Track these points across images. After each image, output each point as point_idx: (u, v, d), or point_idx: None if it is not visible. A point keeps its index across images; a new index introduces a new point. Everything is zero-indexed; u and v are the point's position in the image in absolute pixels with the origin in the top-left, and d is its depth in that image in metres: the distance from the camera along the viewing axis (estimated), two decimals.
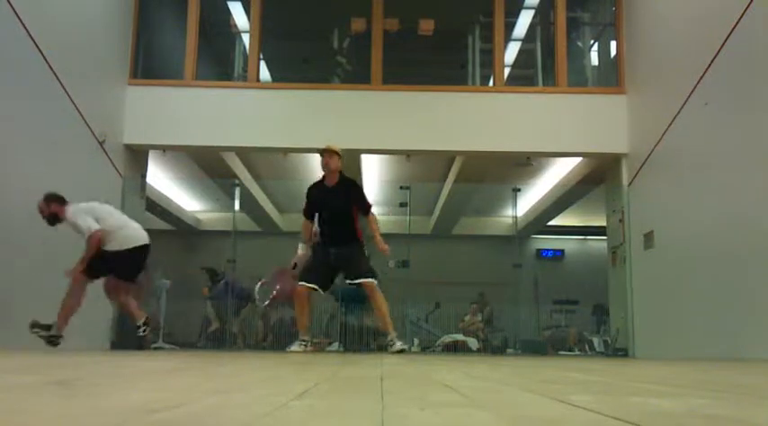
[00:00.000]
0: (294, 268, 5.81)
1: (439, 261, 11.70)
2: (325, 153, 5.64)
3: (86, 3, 7.26)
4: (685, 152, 6.57)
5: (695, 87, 6.24)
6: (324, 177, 5.73)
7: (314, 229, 5.85)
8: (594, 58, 9.57)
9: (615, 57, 8.56)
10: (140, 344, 6.09)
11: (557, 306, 10.80)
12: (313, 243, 5.82)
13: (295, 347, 5.63)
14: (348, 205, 5.71)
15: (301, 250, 5.78)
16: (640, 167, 7.58)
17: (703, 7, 6.37)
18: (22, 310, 5.69)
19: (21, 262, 5.74)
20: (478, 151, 8.44)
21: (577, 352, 9.86)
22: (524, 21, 9.31)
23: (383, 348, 5.97)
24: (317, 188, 5.79)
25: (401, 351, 5.53)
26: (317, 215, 5.79)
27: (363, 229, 5.90)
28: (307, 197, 5.80)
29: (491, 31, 8.66)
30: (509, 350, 9.65)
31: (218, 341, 9.39)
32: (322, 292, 5.79)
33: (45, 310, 6.07)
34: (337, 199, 5.70)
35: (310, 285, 5.59)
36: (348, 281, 5.75)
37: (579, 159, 9.31)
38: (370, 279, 5.59)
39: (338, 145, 8.54)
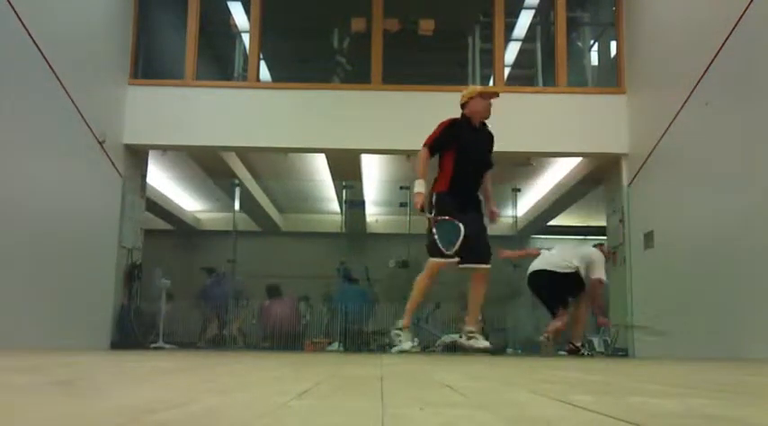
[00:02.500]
0: (432, 213, 4.76)
1: None
2: (491, 96, 4.99)
3: (86, 3, 7.26)
4: (686, 152, 6.57)
5: (695, 87, 6.24)
6: (469, 119, 4.96)
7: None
8: (594, 58, 9.57)
9: (615, 57, 8.56)
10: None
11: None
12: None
13: (409, 344, 4.96)
14: (490, 157, 4.95)
15: (420, 187, 4.75)
16: (640, 167, 7.58)
17: (703, 7, 6.37)
18: (22, 310, 5.69)
19: (22, 262, 5.73)
20: None
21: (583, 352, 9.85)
22: (524, 21, 9.30)
23: (460, 348, 5.26)
24: (460, 126, 4.92)
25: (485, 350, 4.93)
26: (452, 158, 4.83)
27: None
28: (449, 130, 4.88)
29: (491, 30, 8.65)
30: (509, 350, 9.65)
31: (218, 341, 9.39)
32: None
33: (45, 310, 6.08)
34: (484, 146, 4.97)
35: (464, 264, 4.71)
36: (466, 265, 4.76)
37: (579, 159, 9.31)
38: (488, 266, 4.81)
39: (338, 144, 8.55)
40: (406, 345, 4.97)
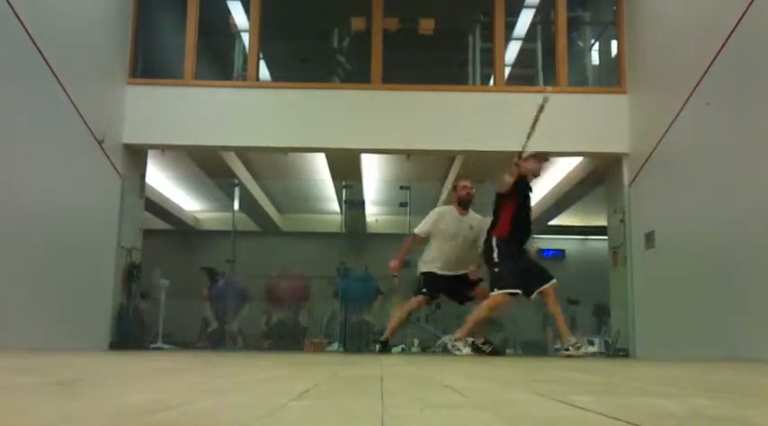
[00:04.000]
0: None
1: None
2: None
3: (85, 2, 7.25)
4: (687, 152, 6.57)
5: (696, 87, 6.23)
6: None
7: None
8: (595, 58, 9.56)
9: (616, 56, 8.54)
10: None
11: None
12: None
13: (465, 348, 5.51)
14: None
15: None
16: (641, 167, 7.57)
17: (704, 6, 6.36)
18: (21, 310, 5.69)
19: (20, 262, 5.73)
20: (479, 151, 8.42)
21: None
22: (525, 20, 9.29)
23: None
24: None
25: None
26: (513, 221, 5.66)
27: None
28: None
29: (491, 30, 8.64)
30: (509, 351, 9.65)
31: (218, 341, 9.39)
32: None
33: (44, 310, 6.08)
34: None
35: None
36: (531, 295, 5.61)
37: (580, 159, 9.31)
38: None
39: (338, 144, 8.56)
40: (465, 350, 5.55)
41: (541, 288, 5.46)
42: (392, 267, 6.24)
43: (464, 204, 6.31)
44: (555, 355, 9.24)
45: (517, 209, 5.56)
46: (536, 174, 5.74)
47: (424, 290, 6.19)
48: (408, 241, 6.49)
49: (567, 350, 5.48)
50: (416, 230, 6.32)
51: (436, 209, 6.60)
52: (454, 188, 6.52)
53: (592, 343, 5.45)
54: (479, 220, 6.25)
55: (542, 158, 5.76)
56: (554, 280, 5.44)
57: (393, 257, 6.48)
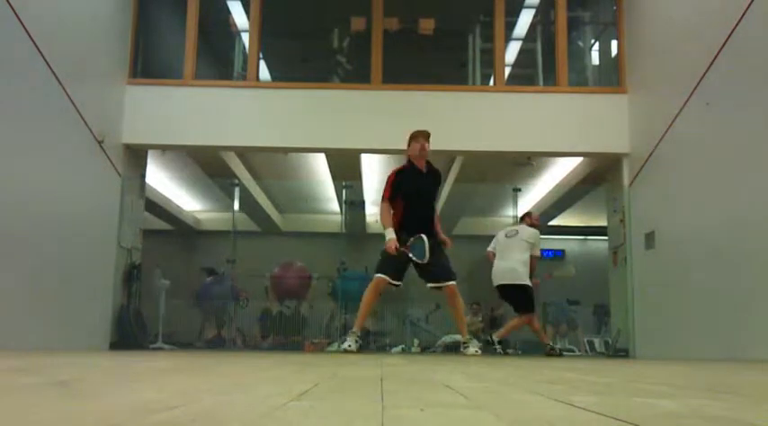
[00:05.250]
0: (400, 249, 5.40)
1: None
2: (424, 138, 5.68)
3: (86, 2, 7.25)
4: (686, 152, 6.57)
5: (696, 87, 6.23)
6: (413, 162, 5.70)
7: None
8: (595, 58, 9.56)
9: (616, 56, 8.55)
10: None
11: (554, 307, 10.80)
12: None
13: (350, 343, 5.34)
14: (435, 193, 5.71)
15: (391, 235, 5.38)
16: (641, 167, 7.58)
17: (704, 7, 6.36)
18: (21, 311, 5.69)
19: (21, 262, 5.73)
20: (479, 151, 8.43)
21: (578, 353, 9.87)
22: (525, 20, 9.29)
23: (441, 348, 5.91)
24: (406, 172, 5.67)
25: (476, 354, 5.45)
26: (403, 202, 5.53)
27: None
28: (395, 179, 5.60)
29: (491, 30, 8.65)
30: (509, 351, 9.64)
31: (218, 341, 9.40)
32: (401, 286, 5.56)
33: (44, 310, 6.08)
34: (429, 184, 5.67)
35: (395, 282, 5.42)
36: (431, 285, 5.49)
37: (580, 159, 9.31)
38: (453, 282, 5.43)
39: (338, 144, 8.57)
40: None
41: (436, 284, 5.42)
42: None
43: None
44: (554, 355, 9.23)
45: (406, 200, 5.50)
46: (422, 155, 5.64)
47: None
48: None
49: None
50: None
51: None
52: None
53: (477, 343, 5.57)
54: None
55: (419, 136, 5.70)
56: (451, 282, 5.40)
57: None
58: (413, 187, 5.55)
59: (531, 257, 6.82)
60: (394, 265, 5.41)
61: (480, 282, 10.50)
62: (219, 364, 3.21)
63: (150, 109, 8.10)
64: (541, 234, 7.17)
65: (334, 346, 5.49)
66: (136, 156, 8.29)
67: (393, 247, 5.29)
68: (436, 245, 5.42)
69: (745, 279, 5.44)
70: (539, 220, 7.27)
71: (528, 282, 6.75)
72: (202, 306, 9.80)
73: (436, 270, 5.40)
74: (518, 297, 6.81)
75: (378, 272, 5.43)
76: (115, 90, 7.91)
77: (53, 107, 6.36)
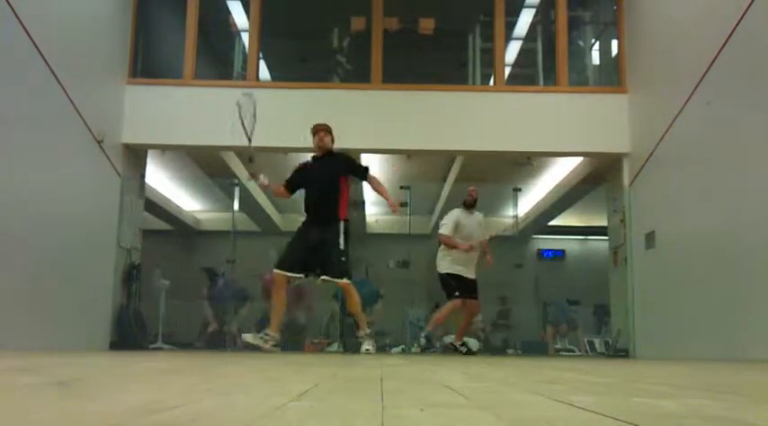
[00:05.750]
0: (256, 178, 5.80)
1: None
2: (321, 131, 5.72)
3: (85, 2, 7.24)
4: (687, 152, 6.56)
5: (697, 86, 6.23)
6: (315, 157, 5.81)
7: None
8: (596, 57, 9.56)
9: (616, 56, 8.54)
10: None
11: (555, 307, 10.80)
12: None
13: (250, 338, 5.42)
14: (335, 177, 5.60)
15: (265, 179, 5.76)
16: (642, 167, 7.57)
17: (705, 6, 6.36)
18: (20, 311, 5.68)
19: (20, 262, 5.72)
20: (479, 151, 8.43)
21: (578, 353, 9.87)
22: (525, 19, 9.29)
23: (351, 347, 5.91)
24: (304, 164, 5.86)
25: (368, 352, 5.47)
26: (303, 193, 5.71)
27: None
28: (291, 175, 5.86)
29: (492, 29, 8.64)
30: (509, 351, 9.65)
31: (218, 341, 9.39)
32: (304, 277, 5.58)
33: (43, 310, 6.07)
34: (323, 169, 5.64)
35: (290, 274, 5.42)
36: (321, 278, 5.49)
37: (580, 159, 9.30)
38: (340, 281, 5.43)
39: (338, 144, 8.55)
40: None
41: (326, 277, 5.44)
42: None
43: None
44: (555, 355, 9.24)
45: (305, 192, 5.67)
46: (319, 147, 5.72)
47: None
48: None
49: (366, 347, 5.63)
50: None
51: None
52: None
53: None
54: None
55: (314, 130, 5.75)
56: (343, 280, 5.41)
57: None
58: (306, 179, 5.70)
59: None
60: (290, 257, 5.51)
61: (482, 282, 10.53)
62: (219, 364, 3.21)
63: (150, 109, 8.09)
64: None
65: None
66: (135, 156, 8.28)
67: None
68: (332, 239, 5.42)
69: (745, 280, 5.44)
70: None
71: (440, 270, 6.79)
72: (209, 308, 9.79)
73: (328, 264, 5.43)
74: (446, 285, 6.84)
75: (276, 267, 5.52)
76: (115, 90, 7.91)
77: (52, 107, 6.35)
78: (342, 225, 5.51)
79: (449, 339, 7.77)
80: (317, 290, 10.33)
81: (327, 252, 5.40)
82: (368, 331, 5.71)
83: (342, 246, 5.47)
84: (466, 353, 6.86)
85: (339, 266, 5.41)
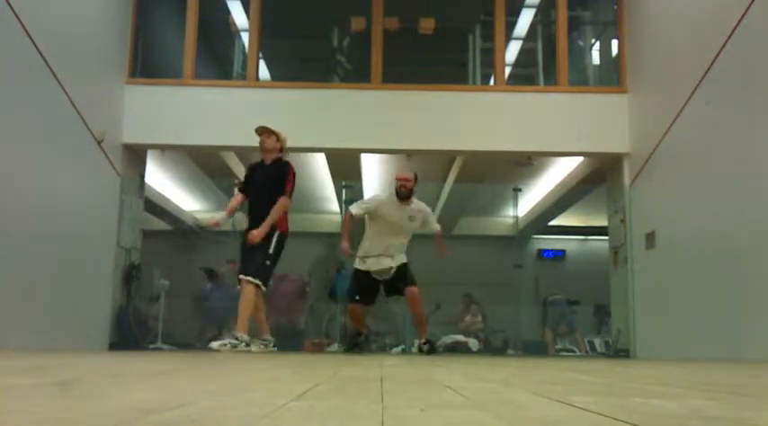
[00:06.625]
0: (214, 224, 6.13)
1: (439, 262, 11.67)
2: (262, 134, 5.87)
3: (85, 2, 7.24)
4: (687, 151, 6.56)
5: (697, 86, 6.23)
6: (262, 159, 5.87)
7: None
8: (596, 57, 9.56)
9: (617, 56, 8.54)
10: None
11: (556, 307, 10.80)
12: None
13: (220, 344, 5.36)
14: (272, 187, 5.61)
15: (219, 216, 6.08)
16: (642, 167, 7.57)
17: (705, 6, 6.36)
18: (20, 311, 5.68)
19: (20, 262, 5.72)
20: (479, 151, 8.43)
21: (578, 353, 9.87)
22: (525, 19, 9.29)
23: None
24: (254, 166, 5.93)
25: (227, 346, 5.30)
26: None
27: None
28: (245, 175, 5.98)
29: (492, 29, 8.64)
30: (509, 351, 9.65)
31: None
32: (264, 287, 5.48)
33: (43, 311, 6.07)
34: (263, 177, 5.72)
35: (248, 278, 5.37)
36: (240, 275, 5.45)
37: (580, 159, 9.30)
38: (250, 279, 5.31)
39: (338, 144, 8.56)
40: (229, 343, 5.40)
41: (241, 276, 5.41)
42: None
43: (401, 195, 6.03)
44: (555, 355, 9.24)
45: (249, 193, 5.75)
46: (262, 149, 5.87)
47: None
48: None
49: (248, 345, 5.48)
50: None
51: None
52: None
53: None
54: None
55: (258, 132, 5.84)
56: (249, 277, 5.33)
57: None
58: (250, 182, 5.82)
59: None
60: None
61: (482, 282, 10.50)
62: (219, 365, 3.21)
63: (149, 108, 8.09)
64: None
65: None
66: (135, 156, 8.28)
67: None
68: (262, 244, 5.41)
69: (745, 279, 5.44)
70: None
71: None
72: (205, 310, 9.78)
73: (248, 261, 5.48)
74: None
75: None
76: (114, 89, 7.91)
77: (52, 106, 6.35)
78: (276, 234, 5.51)
79: (448, 338, 7.78)
80: (317, 290, 10.34)
81: (254, 252, 5.41)
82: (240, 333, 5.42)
83: (270, 251, 5.45)
84: (428, 352, 6.28)
85: (257, 266, 5.36)
